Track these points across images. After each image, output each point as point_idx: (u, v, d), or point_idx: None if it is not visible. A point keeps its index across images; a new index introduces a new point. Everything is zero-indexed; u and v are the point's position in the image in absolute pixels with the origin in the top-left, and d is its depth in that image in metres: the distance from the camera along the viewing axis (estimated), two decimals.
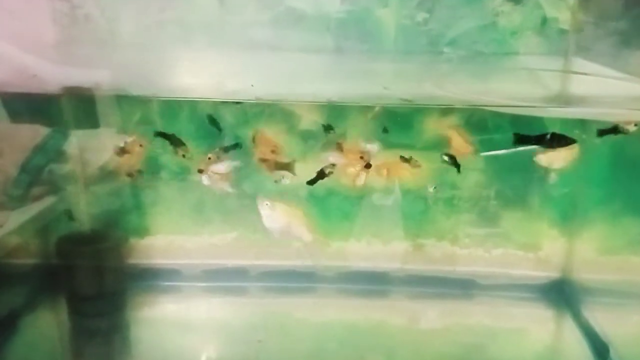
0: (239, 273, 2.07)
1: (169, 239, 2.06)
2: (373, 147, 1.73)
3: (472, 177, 1.92)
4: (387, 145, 1.78)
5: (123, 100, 1.77)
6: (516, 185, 1.94)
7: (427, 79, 1.72)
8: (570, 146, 1.69)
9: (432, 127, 1.79)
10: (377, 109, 1.76)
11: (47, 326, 1.88)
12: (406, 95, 1.66)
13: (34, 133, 1.81)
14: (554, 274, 2.04)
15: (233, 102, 1.78)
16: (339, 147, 1.70)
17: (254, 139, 1.71)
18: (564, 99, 1.71)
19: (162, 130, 1.74)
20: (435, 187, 1.80)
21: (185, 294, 2.06)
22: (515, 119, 1.79)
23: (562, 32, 1.72)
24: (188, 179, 1.87)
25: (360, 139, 1.72)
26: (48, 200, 1.87)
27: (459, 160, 1.76)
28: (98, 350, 1.75)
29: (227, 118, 1.83)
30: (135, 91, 1.70)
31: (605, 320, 1.79)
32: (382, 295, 2.07)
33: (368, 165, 1.75)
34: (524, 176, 1.90)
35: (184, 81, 1.73)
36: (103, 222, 1.97)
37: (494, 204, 1.97)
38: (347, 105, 1.79)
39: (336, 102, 1.69)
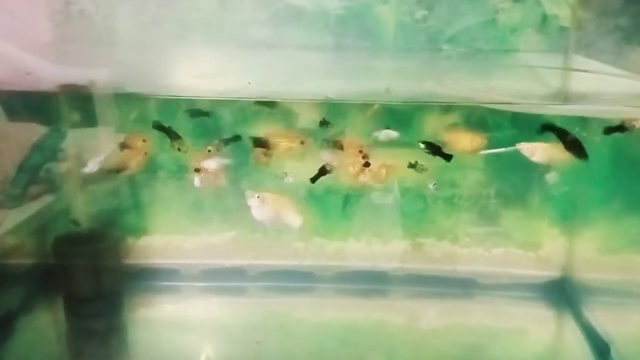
0: (237, 273, 2.06)
1: (167, 238, 2.06)
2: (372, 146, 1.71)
3: (472, 176, 1.92)
4: (387, 144, 1.77)
5: (120, 98, 1.76)
6: (516, 184, 1.94)
7: (427, 76, 1.71)
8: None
9: (432, 124, 1.78)
10: (376, 106, 1.76)
11: (44, 327, 1.87)
12: (406, 93, 1.66)
13: (31, 132, 1.81)
14: (554, 273, 2.04)
15: (231, 100, 1.77)
16: (338, 145, 1.69)
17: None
18: (564, 97, 1.71)
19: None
20: (435, 184, 1.79)
21: (183, 294, 2.05)
22: (516, 117, 1.78)
23: (562, 29, 1.72)
24: (186, 178, 1.86)
25: (360, 137, 1.71)
26: (45, 200, 1.86)
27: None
28: (96, 351, 1.74)
29: (225, 116, 1.83)
30: (132, 89, 1.69)
31: (606, 320, 1.79)
32: (381, 294, 2.06)
33: (367, 164, 1.74)
34: (525, 175, 1.90)
35: (182, 79, 1.72)
36: (100, 221, 1.97)
37: (494, 202, 1.96)
38: (346, 103, 1.78)
39: (335, 100, 1.68)
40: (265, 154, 1.65)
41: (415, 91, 1.70)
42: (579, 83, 1.71)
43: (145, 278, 2.04)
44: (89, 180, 1.83)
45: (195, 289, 2.06)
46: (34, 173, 1.81)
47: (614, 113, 1.63)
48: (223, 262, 2.06)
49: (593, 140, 1.74)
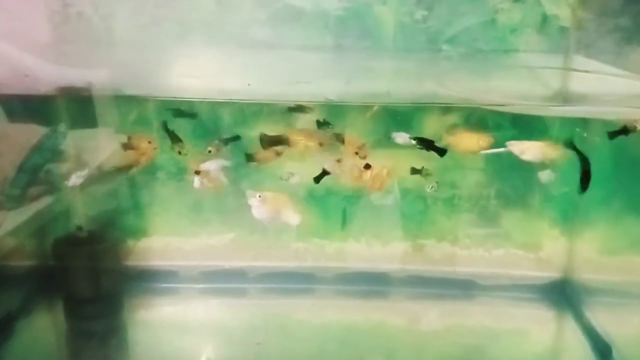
0: (237, 274, 2.06)
1: (167, 240, 2.05)
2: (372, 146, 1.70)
3: (472, 177, 1.91)
4: (387, 144, 1.77)
5: (120, 100, 1.76)
6: (517, 185, 1.93)
7: (427, 77, 1.71)
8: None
9: (433, 125, 1.78)
10: (375, 107, 1.75)
11: (44, 328, 1.87)
12: (406, 94, 1.65)
13: (31, 132, 1.80)
14: (555, 274, 2.03)
15: (231, 102, 1.77)
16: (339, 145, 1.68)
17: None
18: (564, 97, 1.71)
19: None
20: (432, 186, 1.79)
21: (182, 295, 2.05)
22: (516, 118, 1.78)
23: (562, 29, 1.72)
24: (185, 179, 1.86)
25: (359, 138, 1.70)
26: (45, 201, 1.86)
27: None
28: (95, 353, 1.74)
29: (224, 117, 1.83)
30: (131, 91, 1.69)
31: (607, 321, 1.78)
32: (381, 296, 2.06)
33: (367, 166, 1.73)
34: (525, 175, 1.89)
35: (181, 80, 1.72)
36: (100, 223, 1.96)
37: (495, 203, 1.96)
38: (346, 104, 1.78)
39: (335, 101, 1.68)
40: (277, 153, 1.63)
41: (415, 92, 1.69)
42: (579, 83, 1.70)
43: (144, 279, 2.03)
44: (89, 181, 1.83)
45: (195, 291, 2.05)
46: (34, 174, 1.80)
47: (615, 114, 1.63)
48: (223, 264, 2.05)
49: (593, 141, 1.74)
